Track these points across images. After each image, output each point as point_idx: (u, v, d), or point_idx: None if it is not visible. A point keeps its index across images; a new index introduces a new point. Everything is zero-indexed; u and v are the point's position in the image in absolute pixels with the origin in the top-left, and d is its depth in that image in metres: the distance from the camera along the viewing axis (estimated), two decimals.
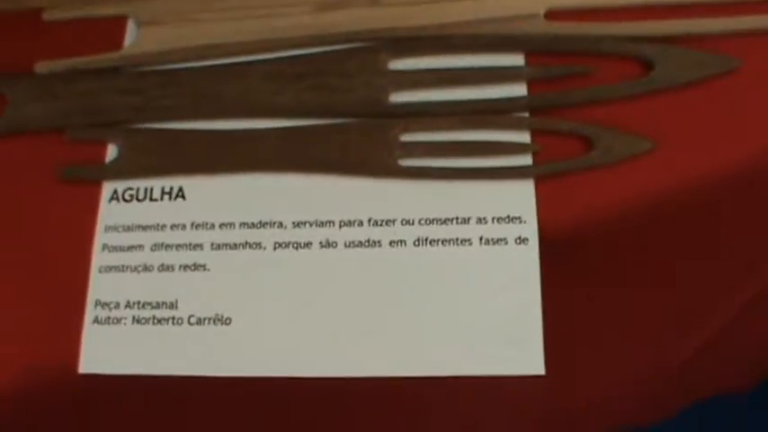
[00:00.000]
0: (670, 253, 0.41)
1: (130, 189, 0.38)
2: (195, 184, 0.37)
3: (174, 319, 0.35)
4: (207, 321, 0.35)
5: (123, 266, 0.36)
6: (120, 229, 0.37)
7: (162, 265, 0.36)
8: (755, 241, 0.44)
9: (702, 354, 0.52)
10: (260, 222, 0.36)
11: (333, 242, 0.35)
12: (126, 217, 0.37)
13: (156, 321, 0.35)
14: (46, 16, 0.41)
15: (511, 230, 0.35)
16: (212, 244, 0.36)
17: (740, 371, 0.60)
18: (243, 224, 0.36)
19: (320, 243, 0.36)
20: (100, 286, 0.36)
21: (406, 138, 0.37)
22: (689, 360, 0.52)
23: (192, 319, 0.35)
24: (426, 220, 0.35)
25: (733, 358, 0.57)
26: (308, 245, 0.36)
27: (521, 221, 0.35)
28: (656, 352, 0.50)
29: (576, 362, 0.39)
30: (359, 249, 0.35)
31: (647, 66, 0.38)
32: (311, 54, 0.38)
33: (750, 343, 0.56)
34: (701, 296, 0.46)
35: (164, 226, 0.37)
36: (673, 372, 0.53)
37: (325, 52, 0.38)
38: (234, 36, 0.39)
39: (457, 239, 0.35)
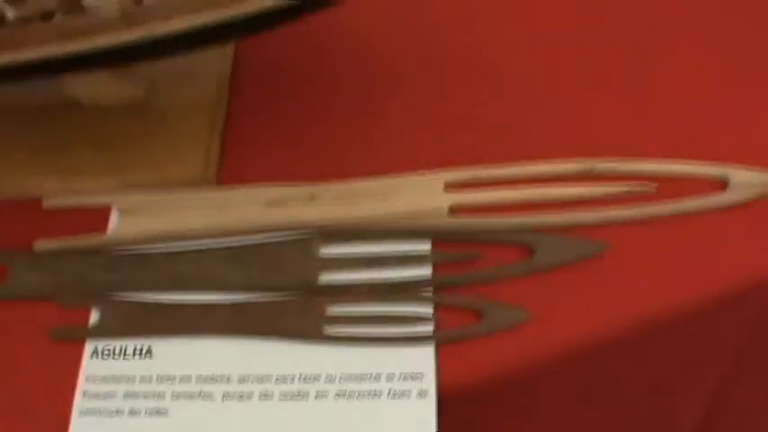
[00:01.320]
0: (557, 411, 0.54)
1: (108, 347, 0.51)
2: (161, 345, 0.51)
3: None
4: None
5: (99, 411, 0.49)
6: (98, 380, 0.50)
7: (131, 410, 0.49)
8: (641, 398, 0.57)
9: None
10: (212, 377, 0.49)
11: (270, 394, 0.49)
12: (103, 370, 0.50)
13: None
14: (45, 204, 0.55)
15: (413, 386, 0.48)
16: (173, 394, 0.49)
17: None
18: (198, 378, 0.50)
19: (259, 395, 0.49)
20: (79, 426, 0.49)
21: (332, 310, 0.51)
22: None
23: None
24: (345, 377, 0.49)
25: None
26: (249, 396, 0.49)
27: (422, 378, 0.48)
28: None
29: None
30: (290, 401, 0.48)
31: (530, 250, 0.52)
32: (258, 243, 0.53)
33: None
34: None
35: (134, 378, 0.50)
36: None
37: (269, 241, 0.52)
38: (196, 224, 0.53)
39: (369, 392, 0.48)
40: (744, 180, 0.55)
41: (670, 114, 0.59)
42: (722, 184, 0.55)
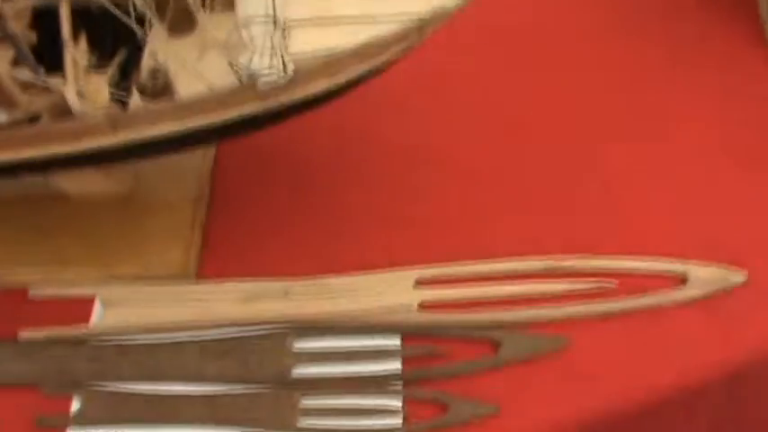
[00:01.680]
0: None
1: None
2: None
3: None
4: None
5: None
6: None
7: None
8: None
9: None
10: None
11: None
12: None
13: None
14: (31, 293, 0.58)
15: None
16: None
17: None
18: None
19: None
20: None
21: (305, 403, 0.53)
22: None
23: None
24: None
25: None
26: None
27: None
28: None
29: None
30: None
31: (495, 346, 0.55)
32: (234, 336, 0.56)
33: None
34: None
35: None
36: None
37: (245, 335, 0.55)
38: (176, 317, 0.56)
39: None
40: (702, 276, 0.58)
41: (630, 213, 0.62)
42: (681, 280, 0.58)
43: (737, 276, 0.58)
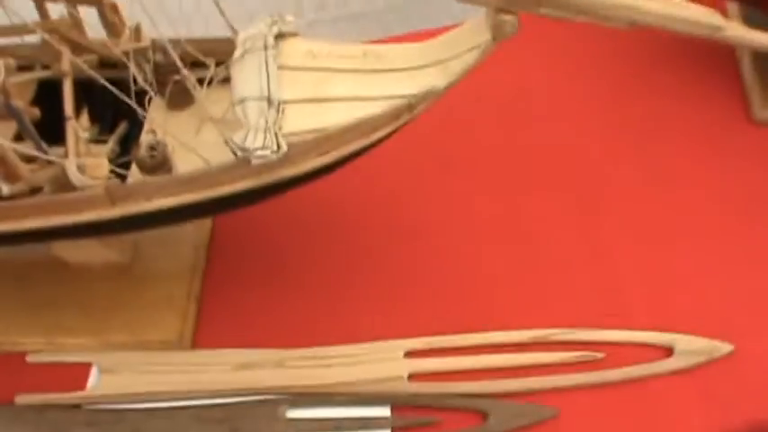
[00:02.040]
0: None
1: None
2: None
3: None
4: None
5: None
6: None
7: None
8: None
9: None
10: None
11: None
12: None
13: None
14: (29, 359, 0.59)
15: None
16: None
17: None
18: None
19: None
20: None
21: None
22: None
23: None
24: None
25: None
26: None
27: None
28: None
29: None
30: None
31: (484, 416, 0.56)
32: (228, 403, 0.57)
33: None
34: None
35: None
36: None
37: (239, 402, 0.57)
38: (171, 385, 0.57)
39: None
40: (688, 347, 0.59)
41: (618, 284, 0.63)
42: (668, 351, 0.59)
43: (724, 348, 0.59)
